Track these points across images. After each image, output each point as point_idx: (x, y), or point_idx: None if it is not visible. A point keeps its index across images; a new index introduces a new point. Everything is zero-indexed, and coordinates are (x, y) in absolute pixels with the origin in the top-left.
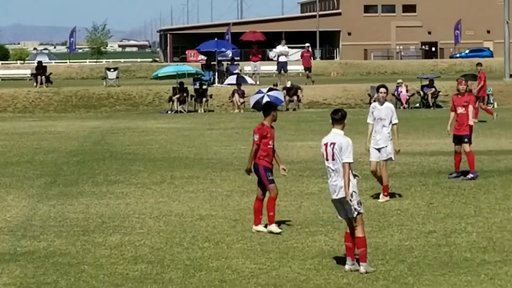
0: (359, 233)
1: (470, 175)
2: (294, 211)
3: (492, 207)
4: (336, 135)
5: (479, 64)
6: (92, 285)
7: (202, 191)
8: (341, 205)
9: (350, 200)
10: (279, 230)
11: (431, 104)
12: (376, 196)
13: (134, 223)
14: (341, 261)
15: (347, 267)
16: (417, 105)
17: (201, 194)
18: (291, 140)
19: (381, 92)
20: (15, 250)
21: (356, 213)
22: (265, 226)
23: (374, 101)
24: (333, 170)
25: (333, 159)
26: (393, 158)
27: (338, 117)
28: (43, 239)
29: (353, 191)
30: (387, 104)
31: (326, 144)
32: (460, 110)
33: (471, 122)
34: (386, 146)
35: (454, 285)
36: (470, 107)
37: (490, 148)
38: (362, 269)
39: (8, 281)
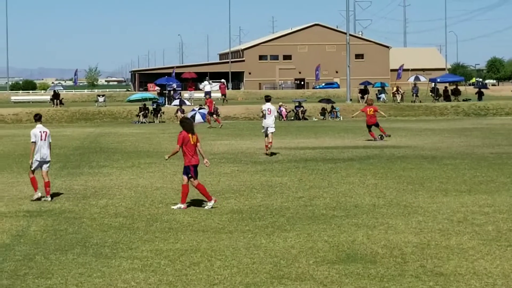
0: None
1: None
2: (215, 184)
3: (339, 182)
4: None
5: (370, 100)
6: (88, 231)
7: (158, 171)
8: None
9: None
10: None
11: (301, 118)
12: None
13: (115, 192)
14: (245, 215)
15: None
16: (292, 118)
17: (157, 173)
18: (214, 140)
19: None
20: (40, 209)
21: None
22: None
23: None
24: None
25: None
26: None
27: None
28: (58, 202)
29: None
30: None
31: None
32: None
33: None
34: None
35: (315, 231)
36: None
37: (337, 144)
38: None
39: (36, 228)
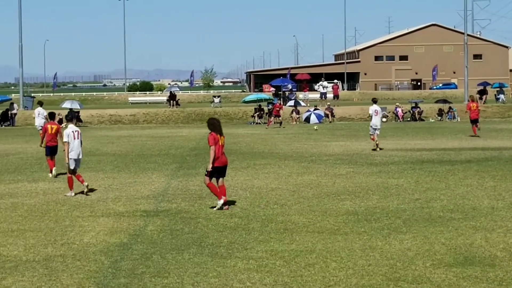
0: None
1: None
2: (330, 185)
3: (457, 184)
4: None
5: (471, 96)
6: (204, 231)
7: (273, 172)
8: None
9: None
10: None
11: (417, 119)
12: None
13: (230, 192)
14: (360, 217)
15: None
16: (408, 119)
17: (272, 174)
18: (329, 141)
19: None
20: (157, 209)
21: None
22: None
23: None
24: None
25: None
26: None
27: None
28: (174, 202)
29: None
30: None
31: None
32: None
33: None
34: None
35: (432, 233)
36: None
37: (455, 146)
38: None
39: (153, 228)
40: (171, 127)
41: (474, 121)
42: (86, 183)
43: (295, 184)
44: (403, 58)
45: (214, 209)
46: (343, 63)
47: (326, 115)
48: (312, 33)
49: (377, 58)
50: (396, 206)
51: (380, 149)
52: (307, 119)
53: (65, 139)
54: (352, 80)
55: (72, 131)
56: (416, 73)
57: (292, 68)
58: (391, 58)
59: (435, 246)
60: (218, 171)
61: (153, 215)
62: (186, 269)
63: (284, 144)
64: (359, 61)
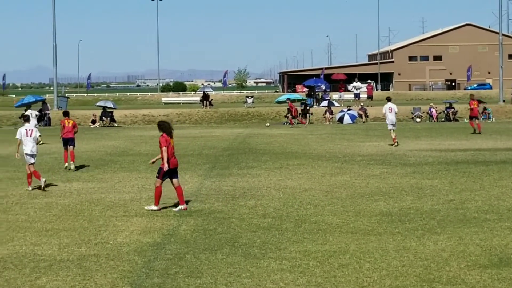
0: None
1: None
2: (364, 186)
3: (492, 185)
4: (29, 126)
5: (471, 95)
6: (237, 231)
7: (306, 173)
8: None
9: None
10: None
11: (451, 119)
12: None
13: (263, 192)
14: (394, 217)
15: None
16: (443, 119)
17: (305, 175)
18: (362, 141)
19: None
20: (190, 209)
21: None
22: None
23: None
24: None
25: None
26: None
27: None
28: (207, 202)
29: None
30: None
31: None
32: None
33: None
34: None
35: (467, 234)
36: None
37: (490, 146)
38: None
39: (186, 228)
40: (204, 127)
41: (474, 118)
42: (43, 179)
43: (329, 185)
44: (437, 58)
45: (148, 208)
46: (377, 63)
47: (360, 116)
48: (345, 33)
49: (411, 58)
50: (430, 207)
51: (395, 145)
52: (341, 119)
53: (17, 136)
54: (386, 80)
55: (26, 129)
56: (451, 73)
57: (326, 68)
58: (425, 58)
59: (469, 247)
60: (169, 172)
61: (186, 215)
62: (219, 269)
63: (317, 145)
64: (393, 61)
